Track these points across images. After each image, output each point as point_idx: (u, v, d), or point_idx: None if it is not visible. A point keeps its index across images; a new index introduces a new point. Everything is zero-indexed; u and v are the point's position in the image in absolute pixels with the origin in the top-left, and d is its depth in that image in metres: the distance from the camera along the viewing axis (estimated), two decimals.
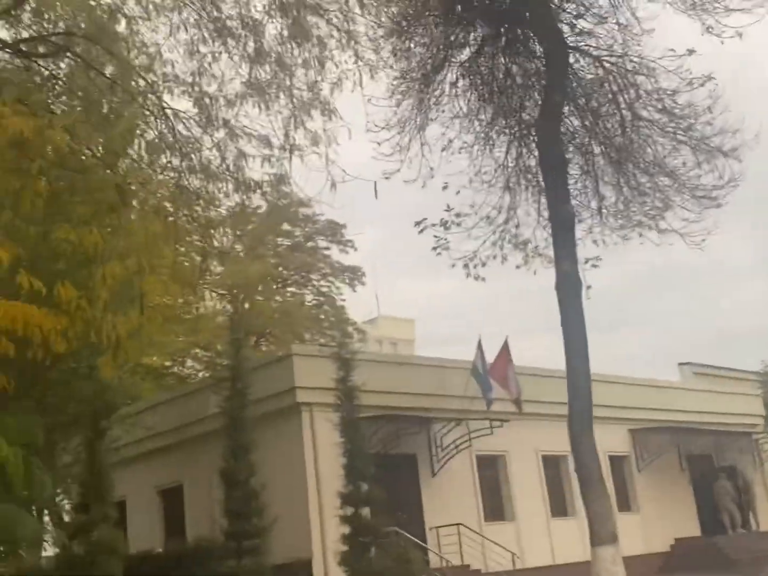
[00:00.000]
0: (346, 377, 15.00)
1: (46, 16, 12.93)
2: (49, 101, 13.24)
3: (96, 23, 12.99)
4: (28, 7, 12.72)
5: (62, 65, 13.29)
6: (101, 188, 12.71)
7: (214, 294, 30.29)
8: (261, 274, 30.14)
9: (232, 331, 15.61)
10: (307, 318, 31.72)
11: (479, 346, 18.72)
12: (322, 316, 32.68)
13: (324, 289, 33.38)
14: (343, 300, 32.98)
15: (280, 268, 33.04)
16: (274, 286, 32.55)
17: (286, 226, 32.70)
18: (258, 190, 14.50)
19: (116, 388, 13.87)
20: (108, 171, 12.70)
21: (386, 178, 17.18)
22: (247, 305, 30.76)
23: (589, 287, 16.34)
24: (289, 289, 33.66)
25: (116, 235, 13.04)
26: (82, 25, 12.79)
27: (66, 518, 18.93)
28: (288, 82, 12.94)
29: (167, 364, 29.46)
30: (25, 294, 10.17)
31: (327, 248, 33.37)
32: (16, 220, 11.42)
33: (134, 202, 13.55)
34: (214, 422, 16.12)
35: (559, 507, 21.57)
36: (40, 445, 11.47)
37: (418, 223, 16.77)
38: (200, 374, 29.34)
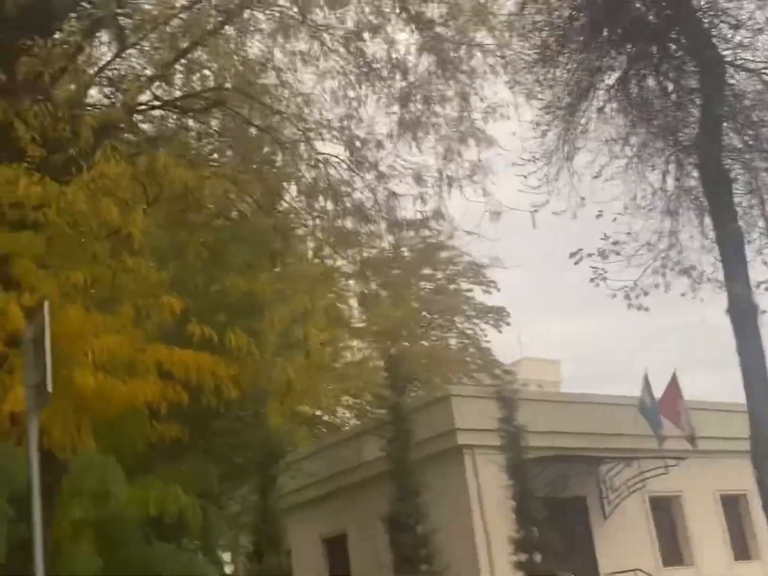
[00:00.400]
0: (510, 417, 14.49)
1: (197, 75, 13.32)
2: (206, 153, 13.60)
3: (244, 77, 13.29)
4: (179, 67, 13.09)
5: (215, 119, 13.62)
6: (262, 234, 12.90)
7: (360, 340, 30.41)
8: (406, 319, 30.03)
9: (392, 373, 15.40)
10: (453, 361, 31.28)
11: (646, 381, 17.81)
12: (468, 359, 32.18)
13: (468, 332, 32.91)
14: (488, 342, 32.40)
15: (423, 313, 32.83)
16: (419, 331, 32.32)
17: (427, 270, 32.56)
18: (411, 229, 14.42)
19: (282, 435, 13.82)
20: (267, 217, 12.90)
21: (535, 210, 16.77)
22: (393, 350, 30.70)
23: (764, 312, 15.27)
24: (433, 332, 33.34)
25: (279, 279, 13.20)
26: (231, 80, 13.11)
27: (227, 568, 19.02)
28: (439, 117, 12.85)
29: (318, 412, 29.69)
30: (196, 342, 10.28)
31: (469, 290, 33.00)
32: (183, 271, 11.64)
33: (293, 247, 13.71)
34: (376, 467, 15.87)
35: (741, 549, 20.13)
36: (215, 493, 11.56)
37: (573, 254, 16.15)
38: (351, 422, 29.39)
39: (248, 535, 14.19)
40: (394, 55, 13.08)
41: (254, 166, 13.06)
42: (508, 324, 32.80)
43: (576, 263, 16.44)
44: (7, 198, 9.39)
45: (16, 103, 9.44)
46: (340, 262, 15.11)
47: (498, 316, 32.63)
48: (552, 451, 16.14)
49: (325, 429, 29.07)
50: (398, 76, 13.06)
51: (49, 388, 5.41)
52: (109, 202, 9.72)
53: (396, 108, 13.02)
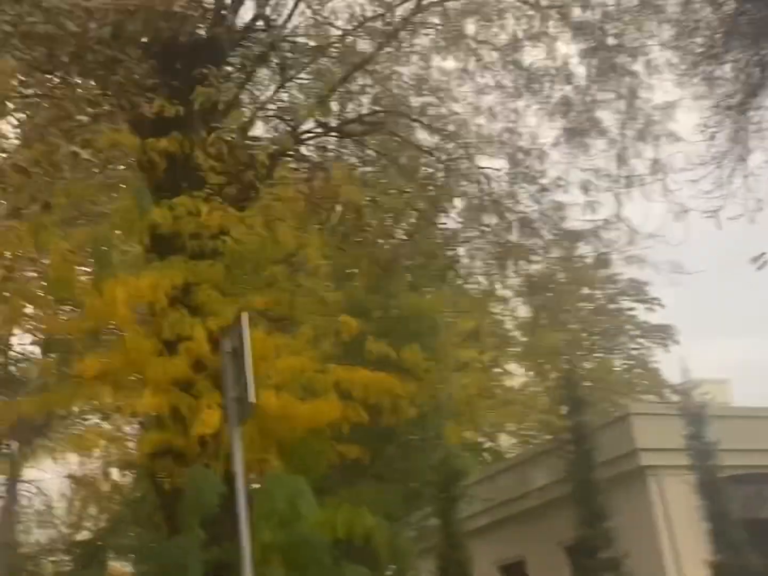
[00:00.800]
0: (699, 434, 13.59)
1: (356, 100, 13.43)
2: (368, 176, 13.64)
3: (402, 99, 13.32)
4: (338, 94, 13.21)
5: (375, 142, 13.65)
6: (427, 253, 12.80)
7: (520, 364, 29.81)
8: (567, 341, 29.24)
9: (568, 392, 14.85)
10: (619, 383, 30.18)
11: None
12: (635, 380, 30.99)
13: (633, 352, 31.73)
14: (657, 362, 31.07)
15: (584, 334, 31.90)
16: (581, 353, 31.40)
17: (586, 290, 31.66)
18: (580, 240, 13.97)
19: (455, 458, 13.50)
20: (432, 235, 12.80)
21: (710, 216, 15.94)
22: (554, 375, 29.95)
23: None
24: (596, 354, 32.33)
25: (445, 298, 13.03)
26: (389, 103, 13.13)
27: None
28: (606, 121, 12.43)
29: (480, 439, 29.20)
30: (374, 361, 10.21)
31: (631, 309, 31.85)
32: (355, 291, 11.63)
33: (458, 265, 13.54)
34: (554, 491, 15.31)
35: None
36: (400, 515, 11.36)
37: (755, 259, 15.19)
38: (515, 449, 28.74)
39: (432, 560, 13.89)
40: (554, 63, 12.79)
41: (414, 187, 13.00)
42: (676, 342, 31.42)
43: (759, 268, 15.46)
44: (187, 228, 9.65)
45: (191, 133, 9.71)
46: (503, 281, 14.78)
47: (665, 334, 31.29)
48: (743, 470, 15.07)
49: (488, 456, 28.61)
50: (560, 84, 12.74)
51: (252, 399, 5.34)
52: (285, 226, 9.84)
53: (560, 116, 12.68)
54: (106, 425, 14.24)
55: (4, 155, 7.43)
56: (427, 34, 13.18)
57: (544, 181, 13.14)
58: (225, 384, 5.63)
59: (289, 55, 12.72)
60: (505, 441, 29.73)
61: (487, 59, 13.21)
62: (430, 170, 13.33)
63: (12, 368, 20.30)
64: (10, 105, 7.82)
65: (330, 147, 13.89)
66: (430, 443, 12.56)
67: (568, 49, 12.70)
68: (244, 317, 5.44)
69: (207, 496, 8.74)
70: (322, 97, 12.37)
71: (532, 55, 13.15)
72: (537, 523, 17.10)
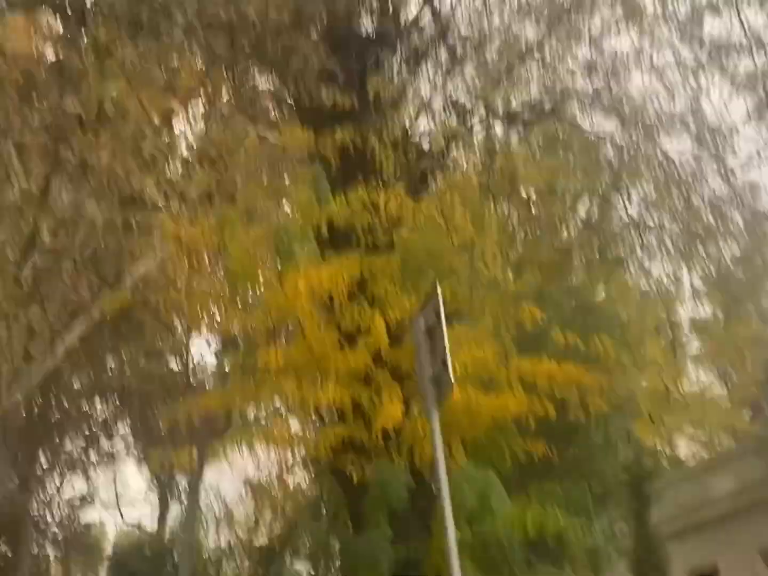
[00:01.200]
0: None
1: (524, 88, 12.98)
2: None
3: (572, 84, 12.75)
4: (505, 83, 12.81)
5: (547, 128, 13.14)
6: (610, 240, 12.18)
7: (696, 366, 28.34)
8: (745, 340, 27.60)
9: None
10: None
11: None
12: None
13: None
14: None
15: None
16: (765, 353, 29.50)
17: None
18: None
19: (655, 455, 12.67)
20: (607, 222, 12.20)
21: None
22: (739, 374, 28.31)
23: None
24: None
25: (625, 288, 12.35)
26: (559, 89, 12.61)
27: None
28: None
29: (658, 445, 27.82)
30: (560, 351, 9.69)
31: None
32: (536, 280, 11.13)
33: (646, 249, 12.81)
34: (749, 494, 14.21)
35: None
36: (590, 516, 10.72)
37: None
38: (696, 455, 27.27)
39: (626, 563, 13.15)
40: (741, 33, 11.88)
41: (591, 172, 12.41)
42: None
43: None
44: (362, 220, 9.52)
45: (365, 123, 9.58)
46: (691, 268, 13.88)
47: None
48: None
49: (667, 462, 27.20)
50: (749, 55, 11.81)
51: (452, 377, 5.02)
52: (461, 214, 9.55)
53: (750, 89, 11.76)
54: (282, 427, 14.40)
55: (191, 148, 7.53)
56: (599, 14, 12.58)
57: (734, 160, 12.23)
58: (419, 365, 5.32)
59: (456, 44, 12.47)
60: (683, 446, 28.27)
61: (663, 37, 12.47)
62: (608, 155, 12.69)
63: (190, 377, 21.02)
64: (197, 100, 7.94)
65: (499, 135, 13.52)
66: (617, 442, 11.83)
67: (756, 16, 11.76)
68: (439, 291, 5.11)
69: (394, 491, 8.52)
70: (491, 85, 12.02)
71: (715, 27, 12.31)
72: (730, 529, 15.92)
